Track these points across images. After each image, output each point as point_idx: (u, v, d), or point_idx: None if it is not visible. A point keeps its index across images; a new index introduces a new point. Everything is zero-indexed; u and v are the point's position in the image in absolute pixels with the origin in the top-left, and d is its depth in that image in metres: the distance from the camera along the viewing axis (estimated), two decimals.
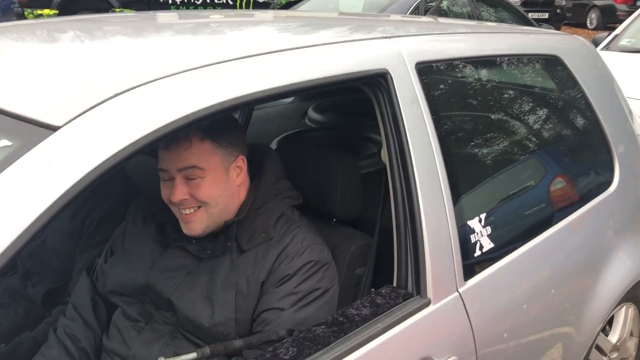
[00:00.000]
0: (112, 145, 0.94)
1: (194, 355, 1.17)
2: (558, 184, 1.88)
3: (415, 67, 1.41)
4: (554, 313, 1.68)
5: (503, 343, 1.48)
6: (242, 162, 1.39)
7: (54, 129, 0.93)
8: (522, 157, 1.78)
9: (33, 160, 0.90)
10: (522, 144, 1.79)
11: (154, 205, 1.48)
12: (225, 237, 1.38)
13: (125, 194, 1.86)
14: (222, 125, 1.35)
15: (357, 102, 2.84)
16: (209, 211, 1.35)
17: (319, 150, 1.66)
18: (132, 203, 1.60)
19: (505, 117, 1.77)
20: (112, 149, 0.94)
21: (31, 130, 0.94)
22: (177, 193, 1.31)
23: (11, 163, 0.89)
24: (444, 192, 1.37)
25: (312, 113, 2.73)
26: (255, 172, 1.47)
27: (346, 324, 1.21)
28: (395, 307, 1.27)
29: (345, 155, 1.57)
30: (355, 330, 1.20)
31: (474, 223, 1.45)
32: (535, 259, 1.61)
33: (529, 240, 1.59)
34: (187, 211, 1.34)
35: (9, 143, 0.93)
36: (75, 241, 1.84)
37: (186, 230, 1.37)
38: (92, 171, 0.92)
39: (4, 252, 0.83)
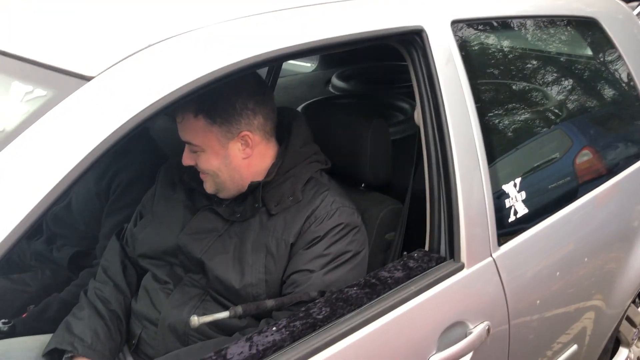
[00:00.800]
0: (146, 97, 0.92)
1: (226, 313, 1.16)
2: (584, 156, 1.83)
3: (451, 25, 1.36)
4: (587, 282, 1.65)
5: (535, 310, 1.45)
6: (247, 138, 1.33)
7: (87, 79, 0.91)
8: (557, 122, 1.73)
9: (67, 109, 0.88)
10: (558, 109, 1.74)
11: (183, 170, 1.47)
12: (253, 199, 1.37)
13: (152, 158, 1.85)
14: (218, 101, 1.30)
15: (381, 69, 2.81)
16: (215, 180, 1.37)
17: (347, 114, 1.62)
18: (160, 167, 1.59)
19: (541, 81, 1.72)
20: (145, 100, 0.91)
21: (65, 81, 0.92)
22: (185, 159, 1.37)
23: (45, 112, 0.87)
24: (479, 154, 1.33)
25: (336, 80, 2.69)
26: (283, 135, 1.44)
27: (379, 286, 1.19)
28: (428, 271, 1.25)
29: (375, 118, 1.53)
30: (388, 293, 1.18)
31: (508, 187, 1.42)
32: (568, 226, 1.57)
33: (563, 208, 1.55)
34: (200, 173, 1.38)
35: (43, 93, 0.91)
36: (101, 204, 1.83)
37: (206, 188, 1.39)
38: (125, 123, 0.89)
39: (40, 202, 0.81)
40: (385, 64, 2.77)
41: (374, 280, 1.20)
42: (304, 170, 1.40)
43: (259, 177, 1.38)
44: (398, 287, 1.20)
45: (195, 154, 1.35)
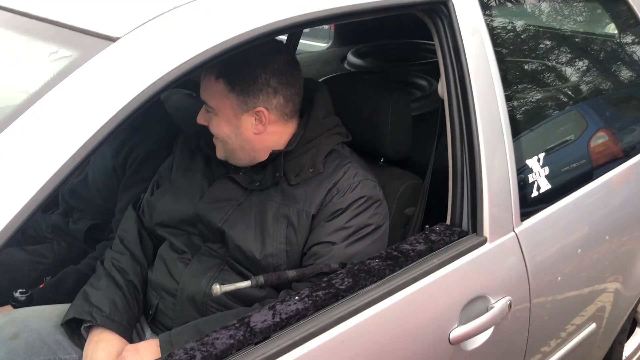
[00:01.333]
0: (171, 60, 0.90)
1: (248, 283, 1.15)
2: (599, 139, 1.80)
3: None
4: (607, 261, 1.63)
5: (556, 287, 1.44)
6: (262, 114, 1.31)
7: (113, 39, 0.89)
8: (582, 99, 1.70)
9: (92, 70, 0.86)
10: (583, 86, 1.71)
11: (200, 137, 1.46)
12: (274, 168, 1.35)
13: (168, 132, 1.84)
14: (242, 70, 1.29)
15: (398, 46, 2.78)
16: (224, 146, 1.36)
17: (367, 87, 1.60)
18: (178, 137, 1.58)
19: (567, 56, 1.69)
20: (171, 63, 0.90)
21: (90, 42, 0.90)
22: (199, 117, 1.37)
23: (70, 73, 0.86)
24: (504, 127, 1.31)
25: (351, 57, 2.66)
26: (305, 107, 1.42)
27: (401, 259, 1.18)
28: (450, 244, 1.24)
29: (395, 91, 1.51)
30: (410, 265, 1.17)
31: (532, 162, 1.40)
32: (591, 205, 1.55)
33: (585, 184, 1.53)
34: (213, 137, 1.38)
35: (69, 53, 0.89)
36: (118, 178, 1.83)
37: (216, 151, 1.39)
38: (151, 85, 0.88)
39: (67, 162, 0.80)
40: (402, 41, 2.74)
41: (395, 253, 1.19)
42: (326, 142, 1.39)
43: (279, 147, 1.36)
44: (420, 259, 1.18)
45: (208, 115, 1.35)
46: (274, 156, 1.35)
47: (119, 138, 1.84)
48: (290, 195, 1.33)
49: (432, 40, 1.31)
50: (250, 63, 1.29)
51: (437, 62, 1.32)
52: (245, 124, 1.32)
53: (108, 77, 0.86)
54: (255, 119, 1.32)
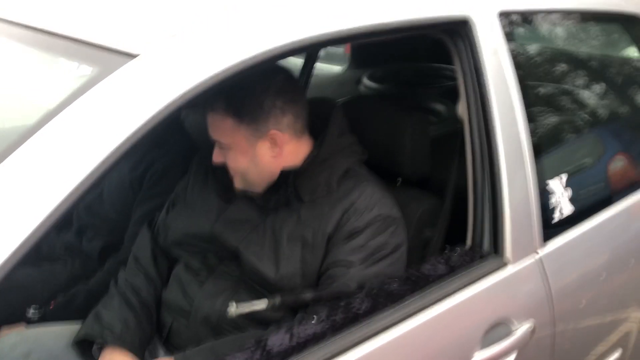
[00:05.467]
0: (191, 76, 0.89)
1: (264, 304, 1.13)
2: (618, 162, 1.77)
3: (499, 16, 1.32)
4: (633, 285, 1.58)
5: (580, 312, 1.40)
6: (276, 137, 1.30)
7: (133, 56, 0.89)
8: (604, 120, 1.68)
9: (112, 86, 0.86)
10: (605, 107, 1.69)
11: (216, 168, 1.45)
12: (286, 186, 1.34)
13: (185, 149, 1.83)
14: (245, 100, 1.27)
15: (414, 71, 2.78)
16: (243, 178, 1.35)
17: (386, 108, 1.59)
18: (195, 157, 1.57)
19: (588, 80, 1.67)
20: (191, 80, 0.89)
21: (110, 58, 0.90)
22: (215, 157, 1.36)
23: (89, 88, 0.85)
24: (525, 148, 1.29)
25: (366, 81, 2.66)
26: (320, 127, 1.41)
27: (421, 281, 1.15)
28: (471, 267, 1.21)
29: (415, 112, 1.50)
30: (430, 288, 1.14)
31: (554, 183, 1.37)
32: (614, 227, 1.52)
33: (609, 206, 1.50)
34: (230, 169, 1.36)
35: (89, 69, 0.89)
36: (134, 193, 1.82)
37: (234, 182, 1.37)
38: (170, 102, 0.87)
39: (85, 178, 0.79)
40: (417, 64, 2.74)
41: (415, 276, 1.16)
42: (342, 161, 1.37)
43: (293, 165, 1.35)
44: (440, 282, 1.15)
45: (224, 151, 1.33)
46: (286, 175, 1.33)
47: (138, 152, 1.84)
48: (306, 216, 1.31)
49: (448, 64, 1.30)
50: (252, 89, 1.28)
51: (453, 87, 1.31)
52: (261, 151, 1.31)
53: (128, 94, 0.86)
54: (270, 144, 1.31)
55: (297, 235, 1.30)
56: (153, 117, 0.85)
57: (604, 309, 1.49)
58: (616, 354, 1.54)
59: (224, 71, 0.92)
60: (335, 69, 3.50)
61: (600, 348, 1.51)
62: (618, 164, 1.73)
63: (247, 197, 1.38)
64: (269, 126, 1.30)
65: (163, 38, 0.92)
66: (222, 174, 1.41)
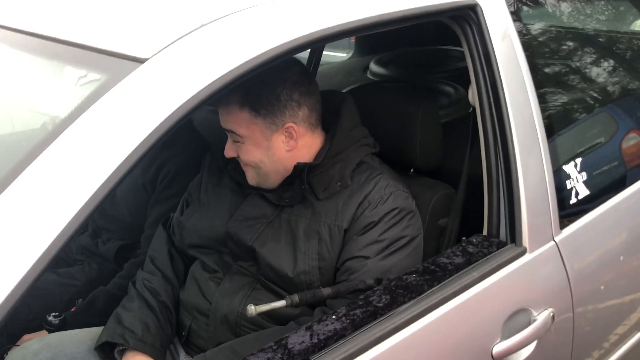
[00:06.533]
0: (202, 78, 0.89)
1: (282, 302, 1.13)
2: (631, 140, 1.74)
3: None
4: None
5: (599, 296, 1.39)
6: (292, 130, 1.30)
7: (141, 61, 0.88)
8: (617, 100, 1.65)
9: (122, 92, 0.85)
10: (618, 86, 1.66)
11: (226, 161, 1.44)
12: (300, 182, 1.33)
13: (197, 148, 1.83)
14: (262, 92, 1.27)
15: (420, 54, 2.74)
16: (257, 172, 1.34)
17: (394, 97, 1.57)
18: (206, 155, 1.57)
19: (599, 57, 1.64)
20: (202, 81, 0.88)
21: (118, 64, 0.89)
22: (227, 150, 1.35)
23: (100, 96, 0.85)
24: (539, 133, 1.27)
25: (374, 67, 2.63)
26: (331, 119, 1.40)
27: (439, 273, 1.14)
28: (489, 256, 1.20)
29: (424, 100, 1.48)
30: (449, 279, 1.14)
31: (569, 168, 1.35)
32: (630, 208, 1.50)
33: (623, 188, 1.48)
34: (242, 164, 1.36)
35: (97, 77, 0.89)
36: (147, 195, 1.82)
37: (247, 177, 1.37)
38: (183, 105, 0.86)
39: (100, 187, 0.79)
40: (424, 48, 2.71)
41: (433, 267, 1.15)
42: (354, 154, 1.36)
43: (306, 160, 1.34)
44: (459, 273, 1.15)
45: (237, 145, 1.32)
46: (300, 170, 1.33)
47: (149, 154, 1.83)
48: (321, 211, 1.31)
49: (456, 46, 1.29)
50: (268, 82, 1.27)
51: (462, 69, 1.29)
52: (276, 144, 1.31)
53: (138, 99, 0.85)
54: (285, 136, 1.31)
55: (313, 231, 1.29)
56: (166, 121, 0.85)
57: (623, 292, 1.48)
58: (636, 337, 1.53)
59: (233, 71, 0.91)
60: (341, 55, 3.47)
61: (619, 331, 1.50)
62: (632, 142, 1.70)
63: (261, 194, 1.38)
64: (285, 119, 1.30)
65: (171, 40, 0.91)
66: (236, 171, 1.41)
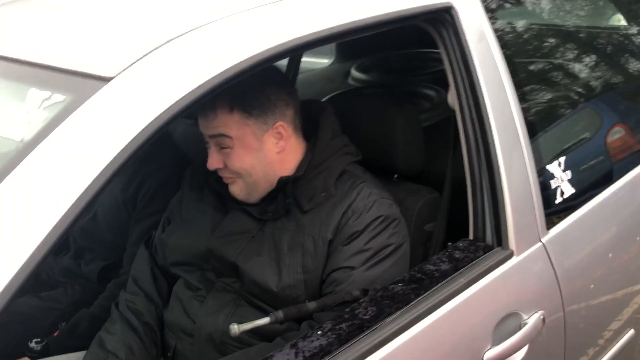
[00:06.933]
0: (171, 95, 0.86)
1: (267, 319, 1.10)
2: (616, 134, 1.73)
3: None
4: None
5: (590, 295, 1.37)
6: (282, 129, 1.29)
7: (106, 80, 0.85)
8: (599, 95, 1.64)
9: (87, 113, 0.82)
10: (601, 81, 1.65)
11: (208, 173, 1.41)
12: (284, 195, 1.31)
13: (178, 163, 1.80)
14: (252, 90, 1.25)
15: (401, 57, 2.73)
16: (245, 181, 1.30)
17: (374, 103, 1.55)
18: (186, 170, 1.54)
19: (579, 53, 1.63)
20: (170, 98, 0.86)
21: (83, 84, 0.86)
22: (212, 161, 1.30)
23: (65, 118, 0.82)
24: (521, 134, 1.26)
25: (355, 73, 2.62)
26: (311, 129, 1.38)
27: (425, 281, 1.12)
28: (476, 261, 1.18)
29: (404, 105, 1.46)
30: (436, 287, 1.11)
31: (553, 167, 1.34)
32: (617, 204, 1.49)
33: (609, 184, 1.47)
34: (226, 175, 1.32)
35: (62, 98, 0.86)
36: (128, 213, 1.79)
37: (231, 191, 1.33)
38: (151, 123, 0.84)
39: (67, 213, 0.76)
40: (405, 51, 2.70)
41: (419, 275, 1.13)
42: (336, 163, 1.34)
43: (289, 173, 1.32)
44: (446, 280, 1.12)
45: (224, 152, 1.28)
46: (283, 183, 1.30)
47: (128, 171, 1.80)
48: (304, 223, 1.28)
49: (436, 48, 1.27)
50: (255, 83, 1.25)
51: (443, 71, 1.27)
52: (267, 146, 1.29)
53: (104, 119, 0.83)
54: (276, 137, 1.29)
55: (297, 244, 1.27)
56: (134, 140, 0.82)
57: (613, 289, 1.47)
58: (628, 335, 1.52)
59: (203, 85, 0.88)
60: (323, 62, 3.45)
61: (612, 329, 1.48)
62: (616, 136, 1.70)
63: (243, 208, 1.35)
64: (276, 117, 1.28)
65: (136, 57, 0.88)
66: (217, 185, 1.38)
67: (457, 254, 1.18)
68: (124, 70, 0.86)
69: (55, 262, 1.89)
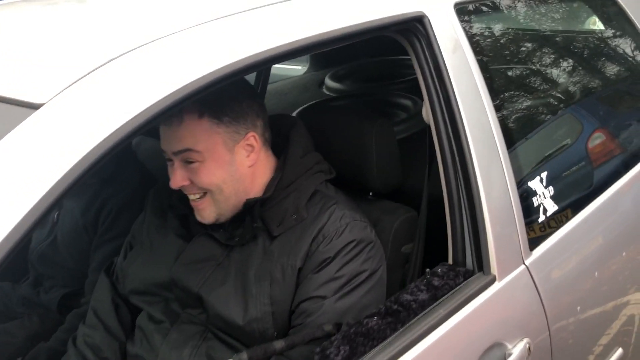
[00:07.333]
0: (111, 120, 0.77)
1: None
2: (597, 139, 1.67)
3: (455, 7, 1.21)
4: (628, 281, 1.49)
5: (576, 316, 1.30)
6: (253, 140, 1.20)
7: (35, 107, 0.76)
8: (578, 105, 1.58)
9: (14, 143, 0.72)
10: (579, 86, 1.59)
11: (172, 195, 1.31)
12: (252, 218, 1.21)
13: (142, 182, 1.70)
14: (224, 96, 1.15)
15: (376, 65, 2.66)
16: (215, 198, 1.19)
17: (347, 117, 1.47)
18: (149, 192, 1.44)
19: (557, 58, 1.57)
20: (111, 124, 0.76)
21: (9, 112, 0.76)
22: (175, 179, 1.17)
23: None
24: (499, 149, 1.18)
25: (329, 82, 2.54)
26: (281, 146, 1.29)
27: (402, 313, 1.04)
28: (456, 289, 1.10)
29: (378, 118, 1.38)
30: (414, 320, 1.03)
31: (534, 184, 1.26)
32: (602, 220, 1.42)
33: (593, 199, 1.40)
34: (193, 197, 1.20)
35: None
36: (90, 237, 1.68)
37: (198, 217, 1.23)
38: (92, 151, 0.74)
39: None
40: (380, 59, 2.63)
41: (396, 307, 1.05)
42: (307, 183, 1.25)
43: (258, 193, 1.22)
44: (424, 312, 1.04)
45: (191, 168, 1.16)
46: (250, 206, 1.21)
47: (88, 193, 1.70)
48: (273, 249, 1.19)
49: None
50: (227, 90, 1.16)
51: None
52: (239, 158, 1.19)
53: (34, 149, 0.73)
54: (246, 150, 1.20)
55: (264, 273, 1.18)
56: (71, 171, 0.73)
57: (601, 309, 1.40)
58: (617, 354, 1.45)
59: (144, 112, 0.79)
60: (296, 68, 3.36)
61: (599, 350, 1.41)
62: (596, 141, 1.63)
63: (209, 233, 1.26)
64: (248, 127, 1.19)
65: (70, 81, 0.78)
66: (181, 206, 1.28)
67: (436, 281, 1.10)
68: (58, 94, 0.77)
69: (13, 291, 1.78)
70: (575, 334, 1.31)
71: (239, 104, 1.18)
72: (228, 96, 1.16)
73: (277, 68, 2.97)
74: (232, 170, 1.19)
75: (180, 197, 1.26)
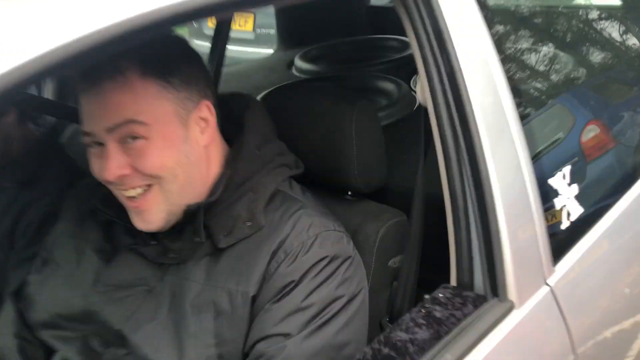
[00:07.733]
0: None
1: None
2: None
3: None
4: None
5: (606, 347, 1.05)
6: (207, 112, 0.92)
7: None
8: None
9: None
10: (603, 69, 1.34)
11: (94, 196, 1.01)
12: (193, 229, 0.93)
13: (70, 183, 1.39)
14: (173, 54, 0.89)
15: (353, 45, 2.40)
16: (165, 189, 0.89)
17: (319, 98, 1.19)
18: (67, 194, 1.14)
19: (576, 37, 1.32)
20: None
21: None
22: (112, 166, 0.86)
23: None
24: (516, 139, 0.92)
25: (299, 62, 2.26)
26: (232, 134, 1.00)
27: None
28: (465, 321, 0.83)
29: (358, 100, 1.11)
30: None
31: (556, 182, 1.01)
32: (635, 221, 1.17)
33: (623, 196, 1.15)
34: (133, 193, 0.89)
35: None
36: (5, 254, 1.37)
37: (140, 223, 0.92)
38: None
39: None
40: (357, 38, 2.37)
41: (387, 350, 0.78)
42: (266, 181, 0.97)
43: (199, 197, 0.94)
44: (425, 356, 0.77)
45: (133, 148, 0.86)
46: (191, 213, 0.92)
47: (2, 200, 1.38)
48: (218, 269, 0.91)
49: (393, 34, 0.92)
50: (171, 46, 0.91)
51: (401, 60, 0.92)
52: (194, 133, 0.91)
53: None
54: (200, 124, 0.92)
55: (206, 301, 0.90)
56: None
57: (633, 337, 1.15)
58: None
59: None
60: (267, 52, 3.09)
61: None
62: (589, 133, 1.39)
63: (136, 250, 0.96)
64: (201, 94, 0.92)
65: None
66: (106, 211, 0.98)
67: (438, 312, 0.84)
68: None
69: None
70: (599, 355, 1.06)
71: (190, 65, 0.92)
72: (174, 54, 0.90)
73: (244, 52, 2.68)
74: (186, 149, 0.90)
75: (104, 197, 0.96)
